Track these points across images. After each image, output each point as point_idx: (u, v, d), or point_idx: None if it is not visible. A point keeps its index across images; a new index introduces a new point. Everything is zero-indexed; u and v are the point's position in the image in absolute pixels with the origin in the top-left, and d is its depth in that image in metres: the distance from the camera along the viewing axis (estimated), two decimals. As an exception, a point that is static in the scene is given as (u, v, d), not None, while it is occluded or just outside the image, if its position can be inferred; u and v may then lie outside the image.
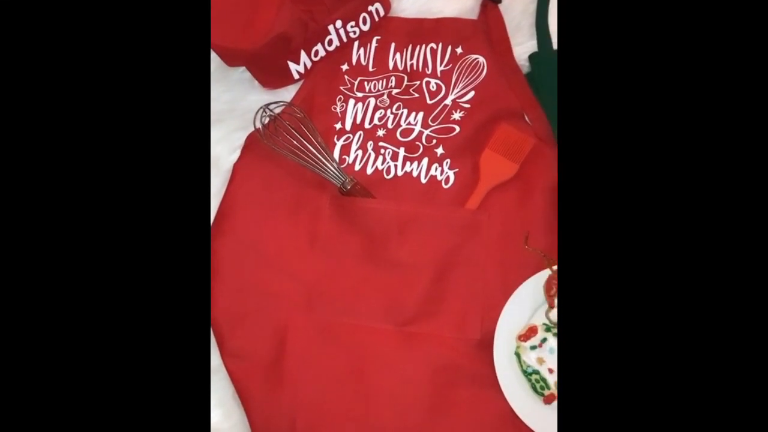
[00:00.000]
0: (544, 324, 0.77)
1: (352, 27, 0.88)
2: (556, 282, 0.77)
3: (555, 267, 0.78)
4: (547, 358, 0.76)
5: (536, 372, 0.76)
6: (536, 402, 0.76)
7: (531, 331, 0.77)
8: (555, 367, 0.76)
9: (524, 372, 0.76)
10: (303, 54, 0.87)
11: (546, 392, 0.75)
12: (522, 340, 0.77)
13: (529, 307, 0.79)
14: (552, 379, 0.75)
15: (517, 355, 0.77)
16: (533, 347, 0.76)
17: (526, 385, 0.76)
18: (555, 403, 0.76)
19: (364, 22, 0.88)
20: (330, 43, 0.88)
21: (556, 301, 0.76)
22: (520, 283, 0.79)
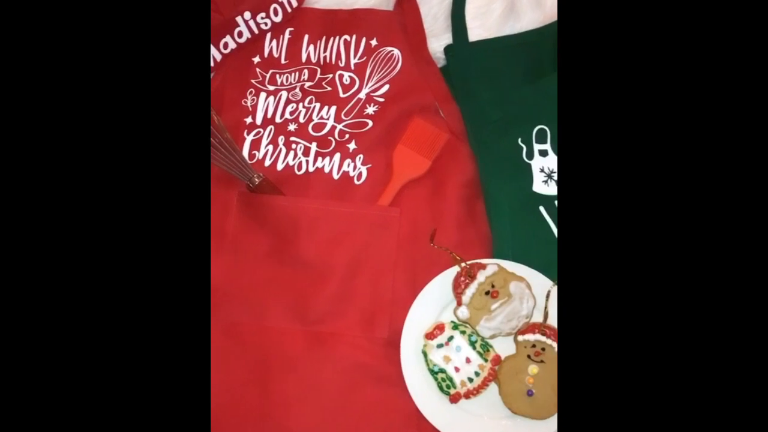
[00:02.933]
0: (452, 322, 0.77)
1: (262, 18, 0.86)
2: (464, 279, 0.76)
3: (463, 264, 0.77)
4: (453, 356, 0.75)
5: (442, 371, 0.75)
6: (442, 401, 0.75)
7: (438, 329, 0.76)
8: (461, 366, 0.75)
9: (431, 371, 0.75)
10: (211, 46, 0.84)
11: (452, 391, 0.75)
12: (429, 339, 0.76)
13: (437, 304, 0.78)
14: (458, 378, 0.75)
15: (424, 353, 0.76)
16: (440, 345, 0.75)
17: (433, 384, 0.75)
18: (461, 402, 0.75)
19: (276, 13, 0.86)
20: (240, 35, 0.86)
21: (463, 298, 0.75)
22: (430, 281, 0.78)
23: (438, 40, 0.89)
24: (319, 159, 0.84)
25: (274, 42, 0.88)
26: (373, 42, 0.87)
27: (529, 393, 0.73)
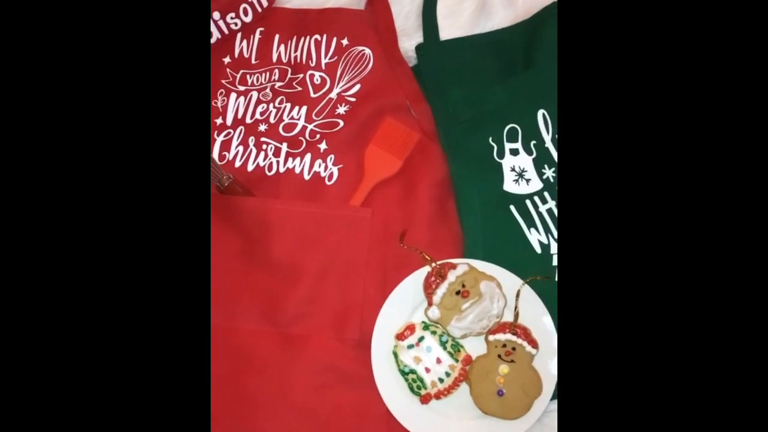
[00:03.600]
0: (423, 322, 0.76)
1: (232, 18, 0.85)
2: (434, 279, 0.76)
3: (433, 264, 0.76)
4: (423, 357, 0.75)
5: (413, 371, 0.75)
6: (413, 402, 0.75)
7: (409, 330, 0.76)
8: (432, 366, 0.75)
9: (401, 371, 0.75)
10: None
11: (422, 392, 0.74)
12: (399, 339, 0.75)
13: (408, 305, 0.77)
14: (428, 379, 0.74)
15: (395, 354, 0.75)
16: (410, 346, 0.75)
17: (403, 385, 0.75)
18: (432, 403, 0.75)
19: (245, 13, 0.86)
20: (210, 35, 0.85)
21: (434, 298, 0.75)
22: (400, 281, 0.78)
23: (410, 39, 0.88)
24: (290, 159, 0.83)
25: (245, 42, 0.87)
26: (344, 41, 0.87)
27: (500, 393, 0.73)
